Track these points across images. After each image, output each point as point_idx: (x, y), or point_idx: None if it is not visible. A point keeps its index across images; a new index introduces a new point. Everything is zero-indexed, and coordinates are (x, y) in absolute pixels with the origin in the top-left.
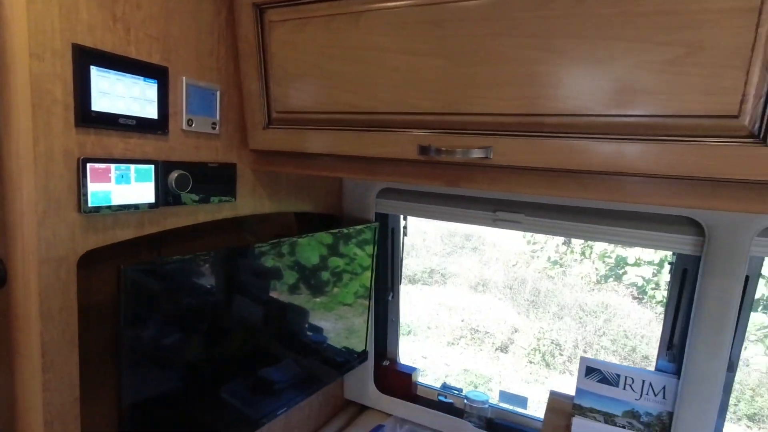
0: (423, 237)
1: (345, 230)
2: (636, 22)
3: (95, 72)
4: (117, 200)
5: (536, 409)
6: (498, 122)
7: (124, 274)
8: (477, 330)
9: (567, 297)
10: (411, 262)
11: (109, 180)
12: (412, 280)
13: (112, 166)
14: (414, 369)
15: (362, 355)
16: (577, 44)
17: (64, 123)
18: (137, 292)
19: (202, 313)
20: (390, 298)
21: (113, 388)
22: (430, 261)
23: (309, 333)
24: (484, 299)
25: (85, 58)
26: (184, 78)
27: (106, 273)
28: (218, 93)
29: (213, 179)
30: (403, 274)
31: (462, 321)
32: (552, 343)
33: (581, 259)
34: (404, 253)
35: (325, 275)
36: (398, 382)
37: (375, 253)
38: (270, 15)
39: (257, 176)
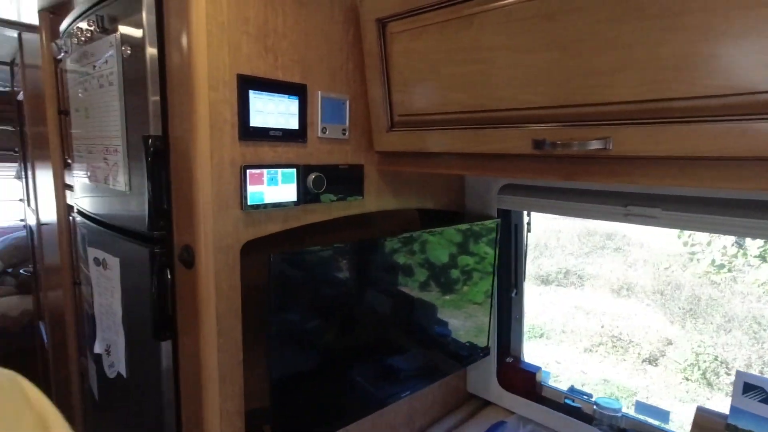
0: (557, 236)
1: (466, 226)
2: None
3: (252, 95)
4: (268, 199)
5: (681, 426)
6: (617, 111)
7: (273, 261)
8: (619, 338)
9: (737, 307)
10: (544, 262)
11: (262, 183)
12: (545, 281)
13: (265, 171)
14: (538, 368)
15: (484, 350)
16: (706, 19)
17: (231, 138)
18: (283, 276)
19: (337, 299)
20: (513, 295)
21: (264, 359)
22: (566, 261)
23: (435, 327)
24: (629, 304)
25: (245, 85)
26: (319, 92)
27: (259, 260)
28: (347, 102)
29: (344, 179)
30: (535, 274)
31: (602, 327)
32: (716, 359)
33: (759, 264)
34: (530, 250)
35: (455, 273)
36: (521, 380)
37: (497, 249)
38: (391, 27)
39: (382, 176)
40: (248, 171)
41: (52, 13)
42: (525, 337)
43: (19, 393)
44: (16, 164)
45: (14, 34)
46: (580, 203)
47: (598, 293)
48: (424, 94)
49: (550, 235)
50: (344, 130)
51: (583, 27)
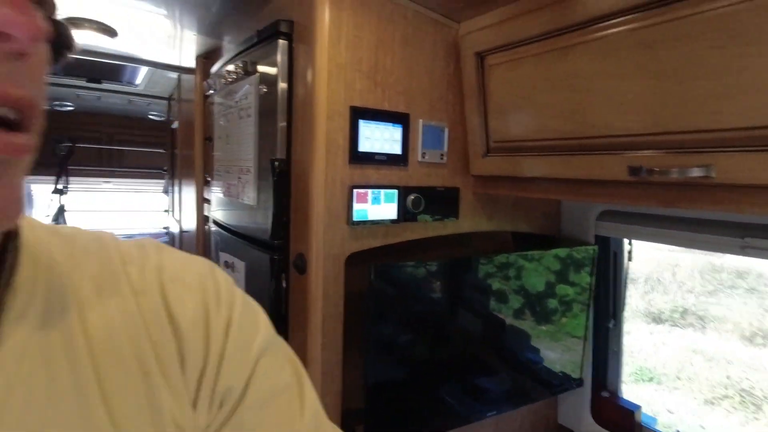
0: (673, 270)
1: (564, 251)
2: None
3: (362, 124)
4: (371, 216)
5: None
6: (721, 138)
7: (372, 271)
8: (750, 393)
9: None
10: (656, 298)
11: (366, 201)
12: (657, 319)
13: (369, 191)
14: (638, 407)
15: (577, 382)
16: None
17: (342, 161)
18: (381, 286)
19: (430, 313)
20: (611, 326)
21: (359, 364)
22: (683, 299)
23: (526, 352)
24: (765, 355)
25: (356, 115)
26: (420, 120)
27: (361, 270)
28: (446, 129)
29: (440, 201)
30: (645, 310)
31: (727, 378)
32: None
33: None
34: (639, 284)
35: (552, 303)
36: (618, 417)
37: (594, 277)
38: (489, 60)
39: (477, 198)
40: (355, 190)
41: (206, 59)
42: (631, 378)
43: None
44: (163, 181)
45: (174, 75)
46: (688, 233)
47: (724, 338)
48: (520, 121)
49: (664, 269)
50: (442, 155)
51: (685, 55)
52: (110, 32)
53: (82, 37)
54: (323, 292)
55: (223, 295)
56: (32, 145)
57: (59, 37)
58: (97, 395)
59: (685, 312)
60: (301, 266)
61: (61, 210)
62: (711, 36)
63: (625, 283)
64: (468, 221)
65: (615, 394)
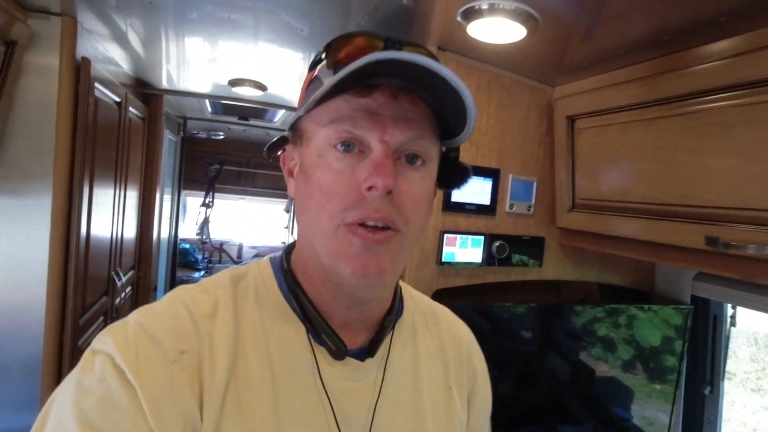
0: None
1: (649, 307)
2: None
3: None
4: (458, 258)
5: None
6: None
7: (455, 307)
8: None
9: None
10: None
11: (455, 245)
12: None
13: (458, 236)
14: None
15: None
16: None
17: (437, 209)
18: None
19: (510, 353)
20: (707, 392)
21: None
22: None
23: (617, 408)
24: None
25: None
26: (510, 175)
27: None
28: (535, 184)
29: (525, 248)
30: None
31: None
32: None
33: None
34: (729, 345)
35: (671, 360)
36: None
37: (686, 339)
38: (579, 123)
39: (562, 248)
40: (445, 235)
41: None
42: None
43: None
44: (286, 200)
45: None
46: None
47: None
48: (604, 182)
49: None
50: (530, 206)
51: (761, 137)
52: (262, 88)
53: (241, 91)
54: None
55: None
56: (387, 237)
57: (454, 172)
58: (442, 390)
59: None
60: None
61: (206, 221)
62: None
63: (726, 349)
64: (552, 268)
65: None
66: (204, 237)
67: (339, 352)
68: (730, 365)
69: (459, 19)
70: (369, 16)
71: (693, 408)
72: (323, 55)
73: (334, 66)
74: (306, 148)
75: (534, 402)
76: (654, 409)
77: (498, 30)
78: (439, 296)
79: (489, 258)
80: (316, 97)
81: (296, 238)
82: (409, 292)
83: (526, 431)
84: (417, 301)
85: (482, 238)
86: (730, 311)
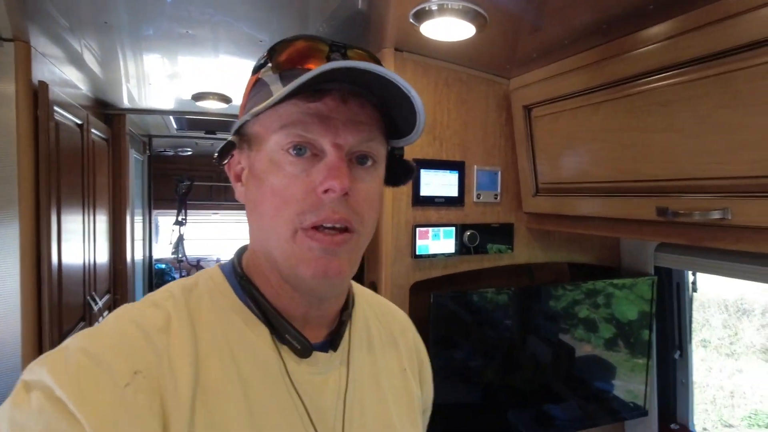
0: None
1: (618, 281)
2: None
3: (423, 172)
4: (432, 251)
5: None
6: (734, 185)
7: (434, 299)
8: None
9: None
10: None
11: (428, 238)
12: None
13: (430, 229)
14: None
15: (641, 410)
16: None
17: (407, 205)
18: (442, 312)
19: (496, 342)
20: (677, 357)
21: None
22: None
23: (599, 383)
24: None
25: (418, 165)
26: (475, 166)
27: (424, 297)
28: (499, 173)
29: (495, 235)
30: (761, 346)
31: None
32: None
33: None
34: (756, 316)
35: (609, 331)
36: None
37: (653, 308)
38: (535, 112)
39: (531, 232)
40: (418, 229)
41: None
42: (744, 423)
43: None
44: None
45: None
46: (748, 265)
47: None
48: (563, 166)
49: None
50: (496, 195)
51: (697, 112)
52: (226, 100)
53: (205, 105)
54: None
55: None
56: (346, 239)
57: (400, 170)
58: (397, 372)
59: None
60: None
61: (181, 239)
62: (716, 98)
63: (690, 313)
64: (523, 253)
65: (685, 427)
66: (180, 255)
67: (305, 349)
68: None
69: (411, 20)
70: (326, 22)
71: (666, 373)
72: (266, 60)
73: (280, 70)
74: (256, 152)
75: (520, 386)
76: (634, 382)
77: (449, 29)
78: (417, 289)
79: (462, 247)
80: (272, 101)
81: (248, 243)
82: (355, 285)
83: (514, 415)
84: (363, 293)
85: (453, 228)
86: (690, 278)
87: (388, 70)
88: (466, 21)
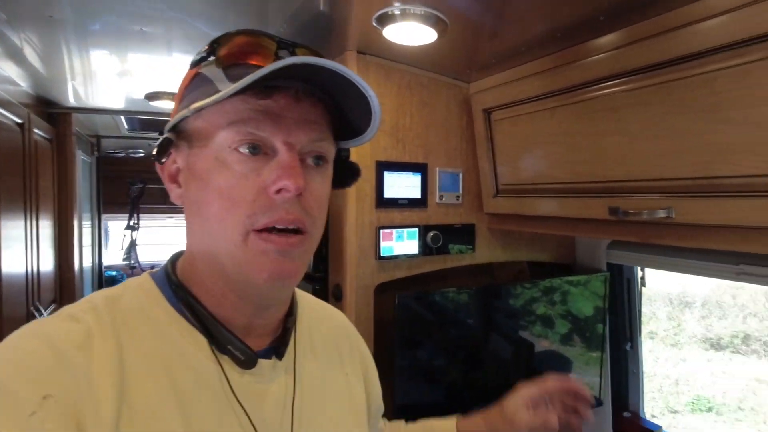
0: (733, 293)
1: (573, 278)
2: None
3: (386, 174)
4: (396, 252)
5: None
6: (677, 186)
7: (398, 300)
8: None
9: None
10: (715, 324)
11: (392, 239)
12: (716, 346)
13: (394, 230)
14: (658, 427)
15: (596, 401)
16: (747, 113)
17: (370, 206)
18: (407, 313)
19: (459, 341)
20: (628, 347)
21: (388, 386)
22: (745, 324)
23: (549, 370)
24: None
25: (381, 168)
26: (437, 168)
27: (389, 298)
28: (461, 174)
29: (457, 236)
30: (702, 336)
31: None
32: None
33: None
34: (696, 308)
35: (602, 328)
36: None
37: (606, 303)
38: (494, 115)
39: (491, 232)
40: (381, 230)
41: None
42: (688, 408)
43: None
44: None
45: None
46: (691, 260)
47: None
48: (522, 168)
49: (724, 291)
50: (458, 196)
51: (644, 117)
52: None
53: (160, 104)
54: (356, 317)
55: None
56: (299, 241)
57: (347, 171)
58: (340, 378)
59: (747, 338)
60: (339, 295)
61: (133, 245)
62: (662, 105)
63: (640, 307)
64: (485, 253)
65: (637, 414)
66: (132, 262)
67: (249, 360)
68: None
69: (375, 23)
70: (287, 23)
71: (618, 364)
72: (208, 53)
73: (224, 65)
74: (198, 150)
75: (482, 383)
76: (590, 374)
77: (412, 33)
78: (382, 290)
79: (425, 248)
80: (222, 96)
81: (183, 249)
82: (295, 290)
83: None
84: (303, 297)
85: (417, 230)
86: (639, 273)
87: (347, 68)
88: (428, 26)
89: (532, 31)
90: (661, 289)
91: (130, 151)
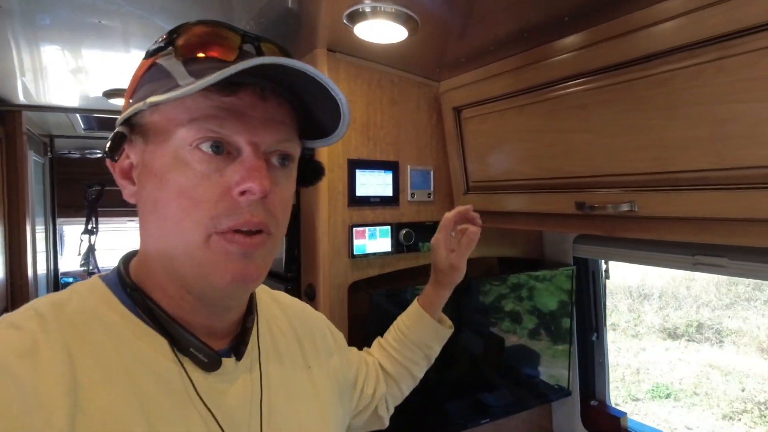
0: (687, 285)
1: (541, 273)
2: (754, 85)
3: (358, 172)
4: (369, 250)
5: None
6: (638, 180)
7: (372, 298)
8: None
9: None
10: (671, 314)
11: (365, 237)
12: (673, 335)
13: (367, 228)
14: (623, 413)
15: (564, 391)
16: (699, 111)
17: (342, 205)
18: (381, 311)
19: None
20: (594, 338)
21: None
22: (698, 313)
23: (527, 369)
24: None
25: (353, 166)
26: (409, 166)
27: (363, 296)
28: (432, 172)
29: (429, 233)
30: (660, 326)
31: (743, 391)
32: None
33: None
34: (654, 300)
35: (567, 322)
36: (606, 424)
37: (573, 295)
38: (464, 114)
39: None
40: (354, 229)
41: None
42: (648, 395)
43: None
44: None
45: None
46: (651, 252)
47: (742, 352)
48: (492, 165)
49: (679, 283)
50: (429, 194)
51: (607, 115)
52: None
53: (119, 102)
54: (330, 317)
55: None
56: (263, 240)
57: (311, 170)
58: (303, 370)
59: (701, 326)
60: (312, 294)
61: (91, 249)
62: (624, 102)
63: (604, 299)
64: None
65: (603, 402)
66: (90, 267)
67: (212, 361)
68: (615, 318)
69: (345, 21)
70: (254, 20)
71: (585, 355)
72: (166, 43)
73: (184, 56)
74: (155, 147)
75: (455, 378)
76: (558, 366)
77: (382, 31)
78: (355, 288)
79: (398, 246)
80: (186, 92)
81: (135, 250)
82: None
83: (451, 406)
84: (261, 290)
85: (389, 227)
86: (603, 266)
87: (317, 70)
88: (399, 24)
89: (499, 30)
90: (622, 282)
91: (87, 151)
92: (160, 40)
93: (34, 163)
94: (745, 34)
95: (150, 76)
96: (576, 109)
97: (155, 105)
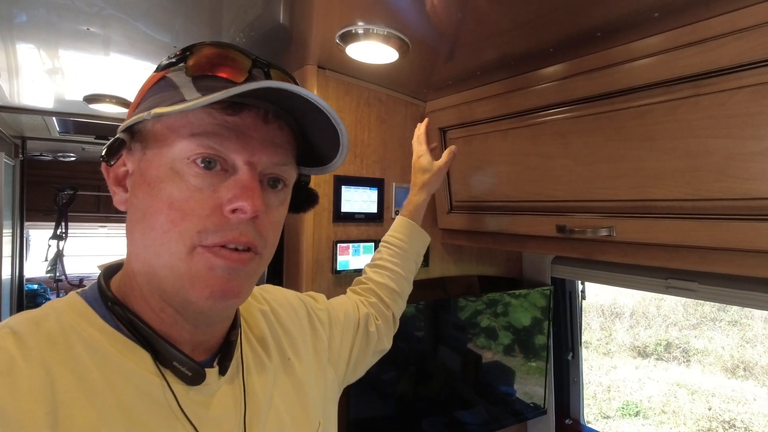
0: (657, 305)
1: (519, 292)
2: (726, 122)
3: (344, 189)
4: (352, 266)
5: None
6: (617, 207)
7: None
8: (732, 424)
9: None
10: (641, 333)
11: (348, 253)
12: (643, 353)
13: (350, 244)
14: None
15: (540, 410)
16: (675, 144)
17: (327, 221)
18: None
19: (410, 354)
20: (570, 357)
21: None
22: (667, 333)
23: (503, 387)
24: (746, 387)
25: (339, 182)
26: (393, 183)
27: None
28: None
29: None
30: (630, 344)
31: (708, 409)
32: None
33: None
34: (624, 319)
35: (541, 339)
36: None
37: (551, 315)
38: (449, 134)
39: (445, 247)
40: (338, 245)
41: None
42: (618, 413)
43: None
44: None
45: None
46: (626, 275)
47: (708, 371)
48: (475, 185)
49: (649, 303)
50: None
51: (586, 143)
52: (126, 104)
53: (101, 108)
54: None
55: None
56: (250, 258)
57: (305, 197)
58: (289, 384)
59: (669, 345)
60: None
61: (59, 255)
62: (603, 131)
63: (580, 320)
64: (438, 267)
65: (577, 420)
66: (58, 274)
67: (196, 375)
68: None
69: (338, 41)
70: (244, 33)
71: (560, 373)
72: (178, 59)
73: (194, 74)
74: (153, 156)
75: (432, 395)
76: (533, 383)
77: (374, 52)
78: None
79: None
80: (190, 106)
81: (117, 263)
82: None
83: (427, 424)
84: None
85: (373, 244)
86: (580, 287)
87: (322, 100)
88: (390, 46)
89: (484, 56)
90: (595, 300)
91: (60, 154)
92: (173, 56)
93: (4, 165)
94: (717, 75)
95: (158, 89)
96: (557, 135)
97: (159, 116)
